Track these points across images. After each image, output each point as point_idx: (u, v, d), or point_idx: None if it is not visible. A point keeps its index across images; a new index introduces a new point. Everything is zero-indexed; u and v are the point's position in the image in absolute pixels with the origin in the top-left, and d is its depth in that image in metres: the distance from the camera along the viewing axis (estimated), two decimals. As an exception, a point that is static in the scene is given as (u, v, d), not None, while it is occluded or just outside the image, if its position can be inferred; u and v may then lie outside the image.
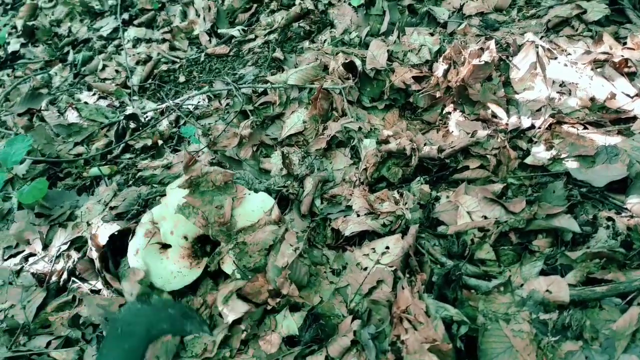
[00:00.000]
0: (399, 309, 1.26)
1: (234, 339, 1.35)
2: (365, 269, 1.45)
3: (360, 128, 1.84)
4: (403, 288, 1.28)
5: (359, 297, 1.40)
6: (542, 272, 1.36)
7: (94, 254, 1.58)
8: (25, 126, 2.58)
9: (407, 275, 1.33)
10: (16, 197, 2.02)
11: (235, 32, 2.83)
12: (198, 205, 1.45)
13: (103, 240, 1.51)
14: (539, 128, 1.76)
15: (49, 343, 1.49)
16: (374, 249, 1.49)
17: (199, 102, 2.41)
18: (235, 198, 1.49)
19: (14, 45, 3.69)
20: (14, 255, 1.85)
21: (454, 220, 1.54)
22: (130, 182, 2.04)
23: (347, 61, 2.01)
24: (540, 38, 2.02)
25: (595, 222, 1.44)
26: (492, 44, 1.93)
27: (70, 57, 3.30)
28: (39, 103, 2.75)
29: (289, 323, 1.39)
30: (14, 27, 3.92)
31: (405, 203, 1.55)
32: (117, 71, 2.92)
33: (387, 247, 1.47)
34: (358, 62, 2.01)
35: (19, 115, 2.71)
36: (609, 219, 1.43)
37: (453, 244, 1.46)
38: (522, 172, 1.67)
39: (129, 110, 2.53)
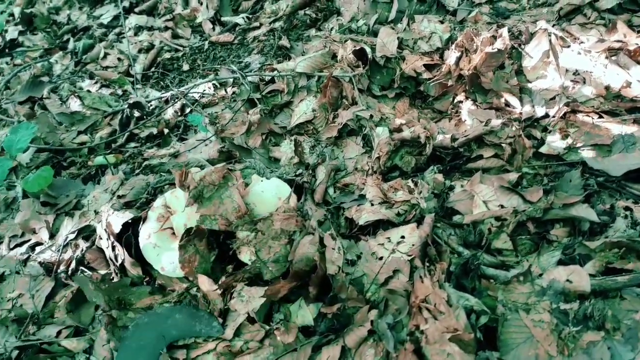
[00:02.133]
0: (418, 299, 1.24)
1: (248, 330, 1.33)
2: (381, 258, 1.43)
3: (371, 116, 1.82)
4: (421, 277, 1.27)
5: (375, 287, 1.38)
6: (560, 262, 1.34)
7: (104, 243, 1.56)
8: (27, 114, 2.54)
9: (427, 264, 1.31)
10: (21, 186, 1.98)
11: (239, 19, 2.79)
12: (213, 211, 1.42)
13: (117, 228, 1.49)
14: (554, 117, 1.74)
15: (59, 332, 1.47)
16: (389, 238, 1.47)
17: (204, 90, 2.37)
18: (239, 186, 1.45)
19: (12, 33, 3.63)
20: (20, 245, 1.83)
21: (470, 209, 1.52)
22: (137, 171, 2.01)
23: (356, 49, 1.98)
24: (553, 26, 1.99)
25: (612, 211, 1.43)
26: (504, 31, 1.91)
27: (70, 45, 3.25)
28: (40, 91, 2.70)
29: (304, 313, 1.37)
30: (12, 14, 3.85)
31: (420, 192, 1.53)
32: (119, 59, 2.88)
33: (403, 237, 1.45)
34: (368, 50, 1.98)
35: (20, 103, 2.67)
36: (627, 208, 1.42)
37: (470, 234, 1.44)
38: (536, 162, 1.66)
39: (133, 99, 2.49)
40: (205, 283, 1.38)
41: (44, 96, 2.65)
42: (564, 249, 1.38)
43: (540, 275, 1.31)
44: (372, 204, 1.55)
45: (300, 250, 1.34)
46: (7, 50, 3.54)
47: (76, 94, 2.52)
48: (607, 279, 1.23)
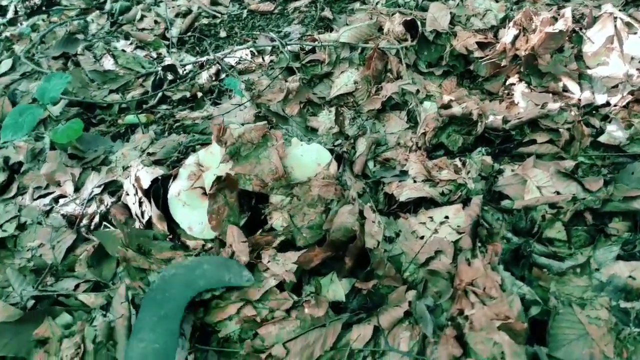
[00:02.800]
0: (464, 282, 1.14)
1: (275, 297, 1.25)
2: (422, 237, 1.33)
3: (418, 91, 1.71)
4: (468, 259, 1.17)
5: (414, 267, 1.28)
6: (619, 258, 1.23)
7: (131, 199, 1.49)
8: (60, 69, 2.50)
9: (479, 245, 1.20)
10: (49, 137, 1.93)
11: (281, -11, 2.70)
12: (248, 171, 1.33)
13: (146, 183, 1.41)
14: (615, 105, 1.62)
15: (77, 286, 1.41)
16: (431, 217, 1.37)
17: (241, 57, 2.29)
18: (278, 147, 1.36)
19: (50, -9, 3.59)
20: (44, 196, 1.77)
21: (520, 194, 1.41)
22: (167, 132, 1.94)
23: (407, 19, 1.87)
24: (619, 11, 1.85)
25: (679, 208, 1.31)
26: (567, 11, 1.78)
27: (107, 6, 3.20)
28: (75, 48, 2.65)
29: (336, 288, 1.28)
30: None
31: (468, 172, 1.43)
32: (156, 22, 2.81)
33: (447, 217, 1.35)
34: (418, 22, 1.87)
35: (54, 58, 2.62)
36: (695, 205, 1.29)
37: (520, 220, 1.33)
38: (594, 151, 1.53)
39: (168, 61, 2.43)
40: (234, 234, 1.29)
41: (78, 53, 2.60)
42: (623, 244, 1.26)
43: (597, 269, 1.20)
44: (415, 181, 1.45)
45: (338, 220, 1.26)
46: (44, 8, 3.51)
47: (110, 53, 2.46)
48: (675, 279, 1.12)
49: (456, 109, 1.53)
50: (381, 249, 1.26)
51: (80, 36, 2.84)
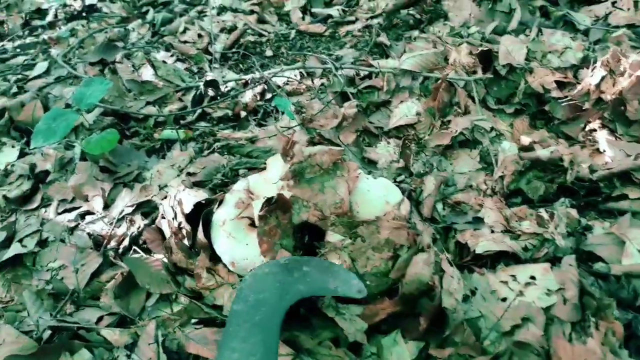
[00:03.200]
0: (566, 362, 0.94)
1: (329, 353, 1.06)
2: (504, 299, 1.14)
3: (492, 128, 1.55)
4: (570, 335, 0.97)
5: (496, 335, 1.09)
6: None
7: (167, 223, 1.32)
8: (96, 76, 2.38)
9: (593, 320, 1.01)
10: (80, 147, 1.79)
11: (333, 11, 2.58)
12: (308, 196, 1.16)
13: (188, 207, 1.25)
14: None
15: (100, 318, 1.23)
16: (514, 276, 1.18)
17: (289, 78, 2.15)
18: (349, 179, 1.19)
19: (91, -2, 3.54)
20: (69, 211, 1.61)
21: (616, 257, 1.22)
22: (206, 151, 1.79)
23: (485, 49, 1.71)
24: None
25: None
26: (661, 55, 1.61)
27: (149, 16, 3.12)
28: (113, 55, 2.55)
29: (402, 352, 1.09)
30: (93, -19, 3.78)
31: (557, 226, 1.24)
32: (199, 35, 2.71)
33: (533, 277, 1.16)
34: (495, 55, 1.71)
35: (91, 64, 2.51)
36: None
37: (621, 288, 1.14)
38: (698, 214, 1.34)
39: (209, 76, 2.30)
40: None
41: (116, 60, 2.49)
42: None
43: None
44: (493, 231, 1.27)
45: (412, 270, 1.07)
46: (84, 14, 3.45)
47: (151, 63, 2.35)
48: None
49: (542, 153, 1.36)
50: (460, 310, 1.07)
51: (120, 44, 2.74)
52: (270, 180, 1.24)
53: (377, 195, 1.20)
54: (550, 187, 1.40)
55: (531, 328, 1.07)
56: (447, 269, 1.11)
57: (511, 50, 1.78)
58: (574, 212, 1.34)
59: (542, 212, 1.29)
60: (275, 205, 1.13)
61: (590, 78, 1.63)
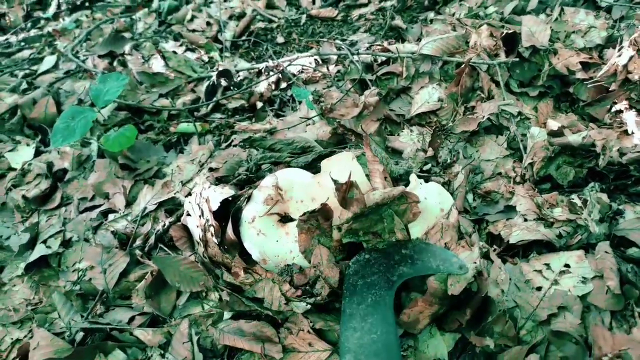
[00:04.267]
0: (608, 353, 0.93)
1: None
2: (539, 289, 1.12)
3: (519, 113, 1.51)
4: (610, 324, 0.96)
5: (533, 325, 1.08)
6: None
7: (193, 220, 1.31)
8: (106, 69, 2.35)
9: (638, 310, 0.99)
10: (99, 144, 1.77)
11: (344, -6, 2.53)
12: (366, 227, 1.14)
13: (214, 204, 1.23)
14: None
15: (131, 318, 1.23)
16: (547, 264, 1.16)
17: (303, 65, 2.11)
18: (411, 214, 1.15)
19: (94, -13, 3.48)
20: (90, 209, 1.60)
21: (651, 243, 1.20)
22: (224, 144, 1.76)
23: (509, 32, 1.67)
24: None
25: None
26: (689, 33, 1.57)
27: (154, 4, 3.06)
28: (122, 46, 2.51)
29: (438, 344, 1.08)
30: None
31: (591, 212, 1.22)
32: (208, 23, 2.66)
33: (567, 265, 1.15)
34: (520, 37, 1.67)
35: (100, 57, 2.48)
36: None
37: (660, 275, 1.12)
38: None
39: (223, 67, 2.26)
40: (322, 255, 1.13)
41: (125, 52, 2.45)
42: None
43: None
44: (526, 220, 1.25)
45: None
46: (87, 4, 3.39)
47: (161, 54, 2.31)
48: None
49: (573, 138, 1.33)
50: (504, 301, 1.06)
51: (127, 35, 2.70)
52: (325, 185, 1.21)
53: (433, 202, 1.18)
54: (580, 172, 1.37)
55: (568, 317, 1.06)
56: (495, 260, 1.10)
57: (534, 31, 1.73)
58: (604, 197, 1.31)
59: (574, 198, 1.27)
60: (318, 213, 1.12)
61: (618, 58, 1.59)
